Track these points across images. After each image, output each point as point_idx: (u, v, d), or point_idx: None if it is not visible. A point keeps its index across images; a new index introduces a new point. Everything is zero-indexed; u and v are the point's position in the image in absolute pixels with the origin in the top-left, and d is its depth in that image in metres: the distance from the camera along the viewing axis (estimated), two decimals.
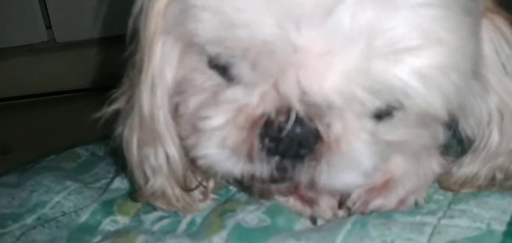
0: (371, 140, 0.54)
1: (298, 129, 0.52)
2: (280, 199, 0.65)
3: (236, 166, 0.54)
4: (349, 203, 0.62)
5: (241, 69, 0.52)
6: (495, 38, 0.60)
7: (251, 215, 0.63)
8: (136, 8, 0.60)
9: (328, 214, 0.64)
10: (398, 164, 0.63)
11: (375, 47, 0.48)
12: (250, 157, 0.53)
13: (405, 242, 0.55)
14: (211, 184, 0.67)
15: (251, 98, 0.53)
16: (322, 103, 0.50)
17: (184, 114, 0.59)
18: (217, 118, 0.54)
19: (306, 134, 0.52)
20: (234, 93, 0.54)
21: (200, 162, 0.56)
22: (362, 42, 0.47)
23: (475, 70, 0.57)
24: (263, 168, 0.53)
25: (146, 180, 0.64)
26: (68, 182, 0.75)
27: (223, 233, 0.60)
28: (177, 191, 0.64)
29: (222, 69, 0.54)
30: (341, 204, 0.63)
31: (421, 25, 0.49)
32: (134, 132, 0.62)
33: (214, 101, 0.55)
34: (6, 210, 0.70)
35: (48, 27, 1.45)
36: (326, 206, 0.64)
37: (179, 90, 0.60)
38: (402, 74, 0.49)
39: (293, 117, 0.51)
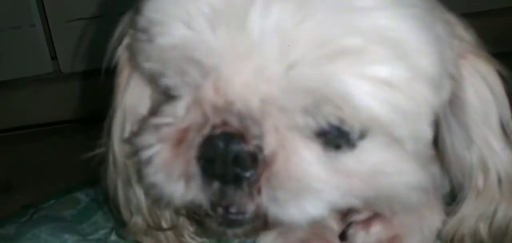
0: (326, 165, 0.49)
1: (233, 147, 0.47)
2: None
3: (175, 193, 0.49)
4: None
5: (169, 82, 0.50)
6: (477, 84, 0.55)
7: None
8: (110, 46, 0.59)
9: None
10: (401, 221, 0.61)
11: (295, 49, 0.45)
12: (187, 181, 0.49)
13: None
14: (181, 221, 0.62)
15: (177, 111, 0.50)
16: (245, 111, 0.47)
17: None
18: (149, 140, 0.51)
19: (240, 152, 0.47)
20: (165, 110, 0.51)
21: (151, 194, 0.53)
22: (276, 43, 0.45)
23: (455, 112, 0.55)
24: (200, 195, 0.49)
25: (131, 216, 0.63)
26: (66, 236, 0.74)
27: None
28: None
29: (164, 91, 0.52)
30: None
31: (353, 26, 0.46)
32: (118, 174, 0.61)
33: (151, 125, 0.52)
34: None
35: (54, 58, 1.45)
36: None
37: None
38: (324, 77, 0.45)
39: (216, 131, 0.47)
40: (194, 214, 0.54)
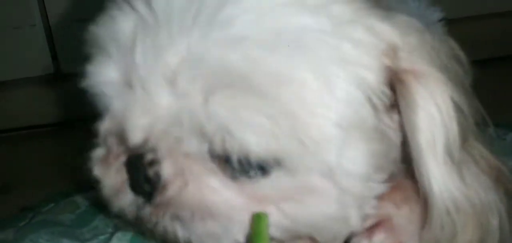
0: (237, 191, 0.50)
1: (135, 172, 0.53)
2: None
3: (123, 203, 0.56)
4: None
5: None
6: (431, 109, 0.51)
7: None
8: None
9: None
10: (405, 228, 0.60)
11: (177, 80, 0.48)
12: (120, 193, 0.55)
13: None
14: None
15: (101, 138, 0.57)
16: (139, 139, 0.51)
17: None
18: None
19: (138, 177, 0.53)
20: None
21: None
22: (160, 74, 0.48)
23: (411, 138, 0.52)
24: (130, 201, 0.55)
25: None
26: (65, 241, 0.74)
27: None
28: None
29: None
30: None
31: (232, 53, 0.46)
32: None
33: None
34: None
35: (54, 58, 1.44)
36: None
37: None
38: (205, 111, 0.47)
39: (126, 157, 0.53)
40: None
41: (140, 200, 0.54)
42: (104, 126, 0.55)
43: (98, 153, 0.57)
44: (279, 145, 0.47)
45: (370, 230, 0.61)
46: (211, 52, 0.46)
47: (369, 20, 0.50)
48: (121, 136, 0.52)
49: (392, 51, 0.51)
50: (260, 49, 0.46)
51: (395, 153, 0.57)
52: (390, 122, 0.55)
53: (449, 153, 0.51)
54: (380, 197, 0.58)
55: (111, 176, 0.55)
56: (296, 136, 0.47)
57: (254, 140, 0.46)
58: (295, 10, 0.48)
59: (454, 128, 0.51)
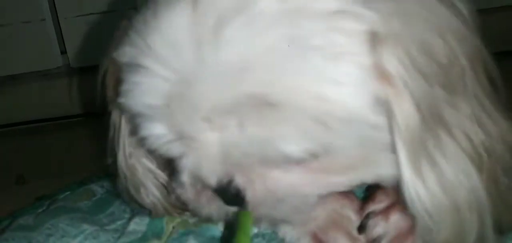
0: (296, 173, 0.56)
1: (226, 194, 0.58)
2: None
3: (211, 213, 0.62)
4: None
5: None
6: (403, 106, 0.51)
7: None
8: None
9: None
10: None
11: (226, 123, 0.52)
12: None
13: None
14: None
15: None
16: (212, 183, 0.57)
17: None
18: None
19: (229, 197, 0.59)
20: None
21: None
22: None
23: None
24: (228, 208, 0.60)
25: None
26: (84, 226, 0.75)
27: None
28: None
29: None
30: None
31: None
32: None
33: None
34: None
35: (63, 52, 1.46)
36: None
37: None
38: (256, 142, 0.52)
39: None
40: None
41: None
42: (185, 177, 0.60)
43: (189, 190, 0.61)
44: (313, 142, 0.51)
45: (386, 211, 0.63)
46: (230, 91, 0.51)
47: (354, 7, 0.51)
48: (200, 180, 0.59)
49: (373, 38, 0.51)
50: (264, 71, 0.50)
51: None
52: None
53: (414, 149, 0.51)
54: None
55: (205, 199, 0.61)
56: (324, 126, 0.50)
57: (289, 148, 0.51)
58: (282, 20, 0.50)
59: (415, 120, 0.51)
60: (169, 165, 0.66)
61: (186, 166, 0.58)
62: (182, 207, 0.72)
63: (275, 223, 0.66)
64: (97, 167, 0.93)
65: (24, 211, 0.84)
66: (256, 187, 0.57)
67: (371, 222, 0.63)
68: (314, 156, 0.52)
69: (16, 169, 1.17)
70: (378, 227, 0.62)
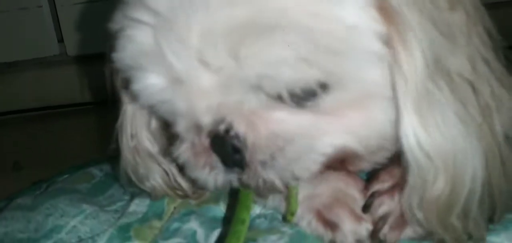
0: (305, 113, 0.53)
1: (219, 147, 0.55)
2: (302, 223, 0.64)
3: (208, 181, 0.59)
4: (381, 235, 0.60)
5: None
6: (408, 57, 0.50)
7: None
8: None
9: (349, 239, 0.62)
10: None
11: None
12: (211, 170, 0.58)
13: None
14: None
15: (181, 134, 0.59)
16: (210, 119, 0.54)
17: None
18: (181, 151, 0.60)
19: (224, 148, 0.55)
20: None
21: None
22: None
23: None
24: (226, 180, 0.58)
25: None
26: (84, 206, 0.74)
27: None
28: (184, 184, 0.71)
29: None
30: (374, 237, 0.61)
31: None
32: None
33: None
34: (22, 234, 0.69)
35: (60, 40, 1.44)
36: (348, 230, 0.62)
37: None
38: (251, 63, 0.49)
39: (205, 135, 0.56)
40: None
41: (235, 171, 0.57)
42: (181, 126, 0.58)
43: (183, 147, 0.59)
44: (316, 67, 0.49)
45: (391, 190, 0.62)
46: (220, 20, 0.49)
47: None
48: (197, 127, 0.56)
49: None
50: None
51: None
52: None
53: (417, 98, 0.51)
54: (396, 164, 0.60)
55: (204, 160, 0.58)
56: (324, 49, 0.48)
57: (291, 74, 0.48)
58: None
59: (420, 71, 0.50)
60: (168, 133, 0.63)
61: (180, 110, 0.55)
62: (182, 192, 0.71)
63: (275, 183, 0.57)
64: (92, 155, 0.92)
65: (22, 193, 0.83)
66: (259, 130, 0.54)
67: (376, 201, 0.62)
68: (323, 87, 0.50)
69: (12, 156, 1.16)
70: (384, 205, 0.61)
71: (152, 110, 0.60)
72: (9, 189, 0.95)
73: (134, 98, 0.58)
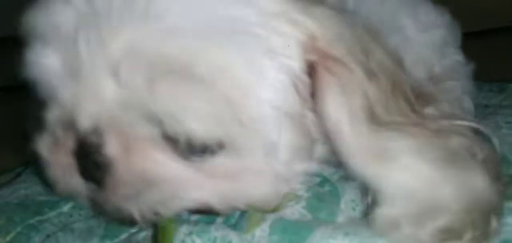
0: (187, 167, 0.54)
1: (83, 159, 0.54)
2: None
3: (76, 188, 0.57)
4: None
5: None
6: (339, 99, 0.52)
7: (290, 210, 0.62)
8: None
9: None
10: None
11: (120, 68, 0.50)
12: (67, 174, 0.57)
13: None
14: None
15: (49, 125, 0.57)
16: (86, 128, 0.53)
17: None
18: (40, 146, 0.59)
19: (88, 164, 0.54)
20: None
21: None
22: (103, 63, 0.50)
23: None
24: (77, 187, 0.57)
25: None
26: None
27: (265, 226, 0.59)
28: None
29: None
30: None
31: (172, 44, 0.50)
32: None
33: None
34: (42, 197, 0.70)
35: None
36: None
37: None
38: (149, 97, 0.49)
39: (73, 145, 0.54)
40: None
41: (91, 186, 0.56)
42: (52, 114, 0.56)
43: (46, 139, 0.57)
44: (221, 129, 0.51)
45: None
46: (148, 44, 0.49)
47: (292, 13, 0.53)
48: (69, 124, 0.54)
49: (311, 42, 0.53)
50: (194, 40, 0.49)
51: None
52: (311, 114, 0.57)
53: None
54: None
55: (60, 160, 0.56)
56: (235, 118, 0.51)
57: (196, 126, 0.50)
58: (224, 2, 0.52)
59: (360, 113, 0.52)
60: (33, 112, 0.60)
61: (63, 99, 0.53)
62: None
63: (134, 214, 0.57)
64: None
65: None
66: (132, 161, 0.53)
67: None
68: (219, 146, 0.52)
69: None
70: None
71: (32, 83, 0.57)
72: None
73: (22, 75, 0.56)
